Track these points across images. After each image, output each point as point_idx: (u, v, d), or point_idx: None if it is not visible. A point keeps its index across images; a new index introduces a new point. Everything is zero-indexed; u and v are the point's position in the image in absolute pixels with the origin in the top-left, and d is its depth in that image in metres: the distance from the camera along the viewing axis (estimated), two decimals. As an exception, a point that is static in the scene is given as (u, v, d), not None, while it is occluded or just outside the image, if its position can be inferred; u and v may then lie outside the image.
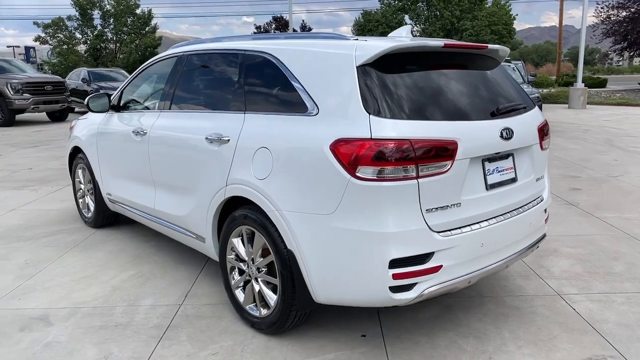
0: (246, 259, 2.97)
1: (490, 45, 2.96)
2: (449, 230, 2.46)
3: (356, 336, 2.91)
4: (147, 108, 4.13)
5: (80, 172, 5.01)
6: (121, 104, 4.35)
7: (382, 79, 2.47)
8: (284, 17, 43.02)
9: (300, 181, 2.53)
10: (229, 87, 3.19)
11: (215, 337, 2.92)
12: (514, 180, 2.80)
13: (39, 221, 5.21)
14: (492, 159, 2.66)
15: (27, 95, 14.75)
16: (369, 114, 2.36)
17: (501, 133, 2.65)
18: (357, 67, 2.46)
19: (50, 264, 4.06)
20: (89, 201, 4.97)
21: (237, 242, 3.02)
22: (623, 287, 3.50)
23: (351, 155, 2.32)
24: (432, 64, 2.71)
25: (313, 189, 2.48)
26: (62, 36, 38.52)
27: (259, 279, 2.90)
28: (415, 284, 2.39)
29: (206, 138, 3.11)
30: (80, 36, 39.20)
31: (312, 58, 2.68)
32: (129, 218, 4.66)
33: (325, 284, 2.52)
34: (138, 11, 39.28)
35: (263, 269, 2.87)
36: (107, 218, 4.89)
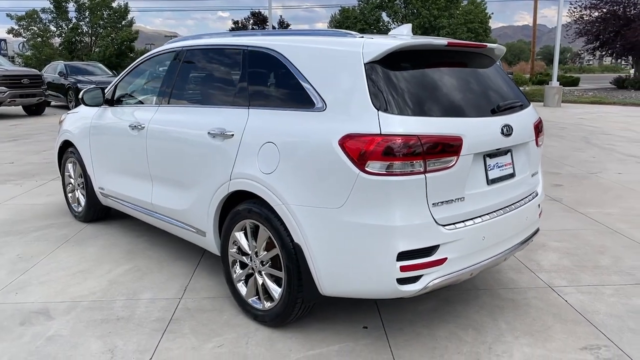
0: (249, 252, 3.00)
1: (488, 45, 3.04)
2: (454, 223, 2.53)
3: (358, 328, 2.97)
4: (143, 102, 4.11)
5: (70, 166, 4.95)
6: (115, 99, 4.31)
7: (388, 76, 2.52)
8: (262, 13, 42.81)
9: (308, 176, 2.56)
10: (232, 82, 3.20)
11: (219, 330, 2.95)
12: (512, 175, 2.89)
13: (27, 215, 5.13)
14: (492, 154, 2.74)
15: (3, 88, 14.38)
16: (378, 110, 2.41)
17: (502, 130, 2.73)
18: (364, 64, 2.50)
19: (43, 258, 4.01)
20: (79, 195, 4.92)
21: (239, 235, 3.04)
22: (611, 280, 3.64)
23: (360, 150, 2.37)
24: (435, 62, 2.77)
25: (321, 183, 2.52)
26: (36, 29, 37.60)
27: (263, 272, 2.93)
28: (421, 276, 2.46)
29: (209, 133, 3.12)
30: (55, 29, 38.32)
31: (319, 55, 2.71)
32: (119, 212, 4.64)
33: (332, 277, 2.56)
34: (114, 4, 38.57)
35: (267, 262, 2.90)
36: (98, 212, 4.85)
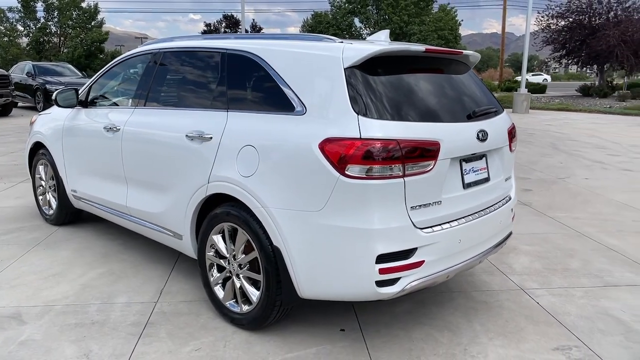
0: (227, 255, 2.99)
1: (464, 52, 3.11)
2: (431, 227, 2.57)
3: (335, 330, 2.99)
4: (118, 104, 4.05)
5: (41, 168, 4.83)
6: (89, 100, 4.24)
7: (368, 81, 2.56)
8: (234, 16, 42.65)
9: (288, 179, 2.58)
10: (210, 85, 3.19)
11: (195, 334, 2.92)
12: (487, 179, 2.96)
13: (-6, 219, 4.99)
14: (468, 159, 2.81)
15: (-31, 88, 13.94)
16: (358, 115, 2.44)
17: (477, 135, 2.79)
18: (344, 69, 2.53)
19: (14, 262, 3.91)
20: (51, 198, 4.81)
21: (217, 239, 3.02)
22: (580, 282, 3.75)
23: (340, 154, 2.39)
24: (412, 68, 2.82)
25: (301, 186, 2.53)
26: (2, 28, 36.57)
27: (241, 276, 2.92)
28: (399, 278, 2.50)
29: (186, 135, 3.10)
30: (23, 29, 37.35)
31: (299, 59, 2.73)
32: (91, 215, 4.56)
33: (312, 280, 2.58)
34: (84, 5, 37.84)
35: (245, 266, 2.89)
36: (69, 215, 4.75)
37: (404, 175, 2.42)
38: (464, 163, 2.77)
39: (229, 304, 3.01)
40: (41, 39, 37.08)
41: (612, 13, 28.69)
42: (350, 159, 2.38)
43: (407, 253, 2.48)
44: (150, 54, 3.72)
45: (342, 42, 2.72)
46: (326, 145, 2.44)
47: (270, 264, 2.68)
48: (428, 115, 2.66)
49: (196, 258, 3.26)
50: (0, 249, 4.17)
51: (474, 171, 2.86)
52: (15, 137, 10.74)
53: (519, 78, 19.83)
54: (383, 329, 3.02)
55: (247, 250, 2.86)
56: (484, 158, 2.95)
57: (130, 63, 4.04)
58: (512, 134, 3.24)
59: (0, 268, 3.78)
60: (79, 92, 4.24)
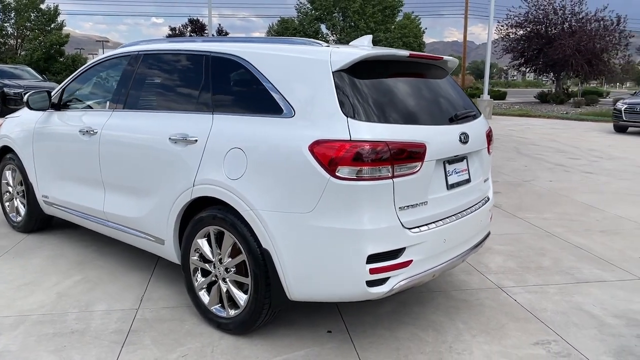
0: (213, 259, 2.96)
1: (444, 57, 3.19)
2: (418, 227, 2.62)
3: (322, 332, 3.00)
4: (94, 107, 3.96)
5: (8, 173, 4.66)
6: (62, 103, 4.12)
7: (355, 84, 2.59)
8: (200, 20, 42.23)
9: (277, 181, 2.58)
10: (193, 88, 3.16)
11: (181, 340, 2.88)
12: (468, 181, 3.04)
13: (-43, 227, 4.78)
14: (451, 161, 2.88)
15: None
16: (347, 117, 2.47)
17: (460, 137, 2.87)
18: (333, 73, 2.56)
19: (-18, 272, 3.75)
20: (19, 204, 4.64)
21: (202, 242, 2.99)
22: (553, 280, 3.89)
23: (331, 155, 2.42)
24: (396, 72, 2.88)
25: (290, 188, 2.54)
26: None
27: (227, 279, 2.90)
28: (389, 278, 2.53)
29: (169, 138, 3.06)
30: (-24, 30, 35.87)
31: (287, 63, 2.74)
32: (62, 221, 4.44)
33: (302, 281, 2.58)
34: (43, 6, 36.66)
35: (232, 269, 2.87)
36: (39, 222, 4.60)
37: (393, 177, 2.47)
38: (447, 165, 2.84)
39: (215, 308, 2.98)
40: (-4, 41, 35.70)
41: (566, 24, 29.87)
42: (340, 161, 2.40)
43: (396, 253, 2.52)
44: (129, 56, 3.65)
45: (328, 46, 2.75)
46: (316, 147, 2.45)
47: (259, 267, 2.67)
48: (413, 118, 2.72)
49: (179, 263, 3.22)
50: (-33, 258, 3.99)
51: (457, 172, 2.93)
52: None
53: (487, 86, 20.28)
54: (369, 329, 3.05)
55: (234, 253, 2.84)
56: (464, 160, 3.02)
57: (106, 65, 3.96)
58: (489, 136, 3.34)
59: (-31, 278, 3.62)
60: (52, 94, 4.12)
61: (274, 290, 2.68)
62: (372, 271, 2.46)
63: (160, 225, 3.20)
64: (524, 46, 31.44)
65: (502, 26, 32.10)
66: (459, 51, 39.55)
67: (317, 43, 2.81)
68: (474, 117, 3.22)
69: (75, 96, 4.14)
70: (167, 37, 40.19)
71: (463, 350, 2.85)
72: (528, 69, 34.03)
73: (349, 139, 2.42)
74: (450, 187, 2.86)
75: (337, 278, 2.52)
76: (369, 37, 3.21)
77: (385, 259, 2.49)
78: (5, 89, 15.53)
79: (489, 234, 3.45)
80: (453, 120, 2.93)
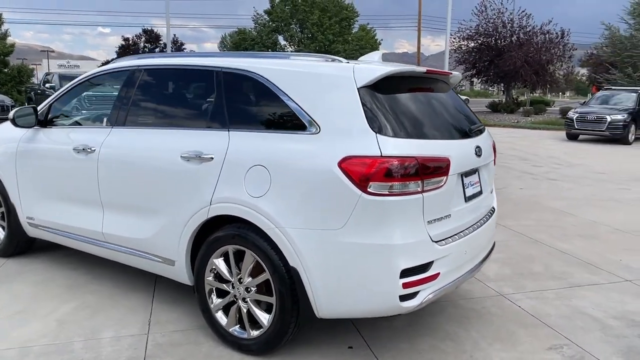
0: (231, 279, 2.89)
1: (452, 72, 3.28)
2: (444, 239, 2.66)
3: (343, 349, 2.98)
4: (88, 123, 3.81)
5: (-16, 195, 4.39)
6: (49, 120, 3.94)
7: (380, 100, 2.62)
8: (154, 31, 41.50)
9: (304, 198, 2.56)
10: (204, 104, 3.10)
11: (201, 364, 2.79)
12: (480, 193, 3.12)
13: None
14: (467, 174, 2.94)
15: None
16: (376, 133, 2.48)
17: (475, 150, 2.94)
18: (358, 89, 2.57)
19: (-30, 301, 3.51)
20: (-4, 228, 4.38)
21: (219, 262, 2.92)
22: (549, 285, 4.02)
23: (362, 172, 2.42)
24: (412, 87, 2.93)
25: (319, 205, 2.52)
26: None
27: (248, 299, 2.84)
28: (419, 291, 2.55)
29: (181, 156, 2.98)
30: None
31: (308, 79, 2.73)
32: (45, 244, 4.24)
33: (332, 298, 2.56)
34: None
35: (253, 289, 2.81)
36: (20, 246, 4.36)
37: (422, 191, 2.50)
38: (464, 177, 2.90)
39: (235, 330, 2.91)
40: None
41: (515, 37, 31.19)
42: (372, 177, 2.41)
43: (426, 266, 2.55)
44: (127, 71, 3.53)
45: (348, 62, 2.77)
46: (346, 164, 2.45)
47: (285, 286, 2.64)
48: (434, 132, 2.77)
49: (190, 284, 3.13)
50: (-53, 287, 3.73)
51: (472, 185, 3.00)
52: None
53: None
54: (388, 343, 3.05)
55: (255, 272, 2.79)
56: (477, 172, 3.10)
57: (99, 81, 3.82)
58: (494, 149, 3.44)
59: (-44, 308, 3.38)
60: (38, 110, 3.92)
61: (302, 309, 2.65)
62: (404, 285, 2.48)
63: (170, 246, 3.10)
64: (476, 58, 32.58)
65: (454, 39, 33.16)
66: (410, 62, 40.59)
67: (336, 59, 2.82)
68: (482, 130, 3.31)
69: (64, 113, 3.97)
70: (120, 47, 39.22)
71: (484, 358, 2.90)
72: (480, 80, 35.25)
73: (380, 154, 2.43)
74: (468, 199, 2.92)
75: (369, 294, 2.51)
76: (379, 53, 3.25)
77: (416, 273, 2.51)
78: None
79: (494, 243, 3.54)
80: (468, 134, 3.00)
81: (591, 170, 9.99)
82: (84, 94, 4.13)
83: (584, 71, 45.85)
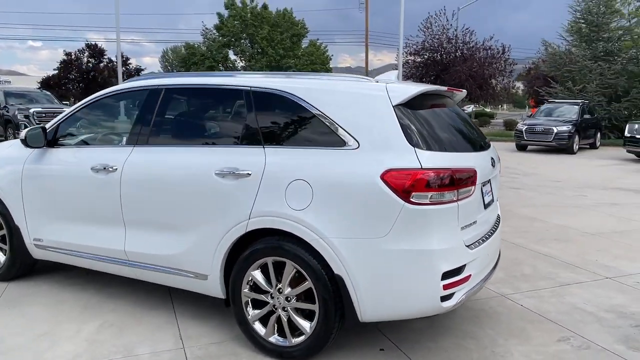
0: (270, 290, 3.01)
1: (462, 90, 3.56)
2: (472, 244, 2.91)
3: (375, 351, 3.16)
4: (105, 143, 3.82)
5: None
6: (58, 140, 3.92)
7: (412, 117, 2.85)
8: (99, 45, 40.43)
9: (348, 209, 2.73)
10: (235, 123, 3.22)
11: (246, 374, 2.89)
12: (492, 201, 3.40)
13: None
14: (484, 183, 3.22)
15: None
16: (414, 147, 2.71)
17: (491, 162, 3.23)
18: (393, 107, 2.80)
19: (-12, 326, 3.42)
20: (-5, 251, 4.27)
21: (256, 274, 3.03)
22: (541, 285, 4.37)
23: (405, 183, 2.63)
24: (432, 104, 3.17)
25: (362, 215, 2.71)
26: None
27: (289, 308, 2.96)
28: (454, 293, 2.78)
29: (216, 173, 3.08)
30: None
31: (345, 98, 2.92)
32: (44, 266, 4.17)
33: (376, 302, 2.74)
34: None
35: (293, 298, 2.95)
36: (22, 269, 4.26)
37: (457, 200, 2.74)
38: (482, 187, 3.17)
39: (275, 338, 3.02)
40: None
41: (459, 52, 32.64)
42: (414, 188, 2.63)
43: (461, 269, 2.78)
44: (147, 90, 3.59)
45: (378, 81, 2.99)
46: (389, 176, 2.66)
47: (328, 293, 2.79)
48: (460, 145, 3.03)
49: (223, 297, 3.21)
50: (-44, 313, 3.61)
51: (487, 193, 3.27)
52: None
53: None
54: (415, 344, 3.26)
55: (295, 282, 2.93)
56: (489, 182, 3.38)
57: (113, 100, 3.85)
58: (499, 160, 3.74)
59: (-25, 334, 3.30)
60: (47, 130, 3.89)
61: (347, 314, 2.81)
62: (444, 287, 2.69)
63: (203, 261, 3.18)
64: (422, 72, 33.78)
65: (402, 54, 34.26)
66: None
67: (365, 78, 3.03)
68: (490, 143, 3.60)
69: (74, 132, 3.96)
70: (62, 62, 37.87)
71: (505, 353, 3.16)
72: (426, 94, 36.44)
73: (420, 167, 2.65)
74: (486, 206, 3.19)
75: (412, 296, 2.71)
76: (395, 72, 3.49)
77: (453, 275, 2.74)
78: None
79: (500, 251, 3.83)
80: (482, 146, 3.28)
81: (547, 179, 10.68)
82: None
83: (519, 84, 48.47)
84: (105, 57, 38.17)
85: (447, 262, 2.70)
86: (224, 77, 3.41)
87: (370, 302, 2.75)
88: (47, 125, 3.94)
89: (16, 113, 15.98)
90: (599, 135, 18.18)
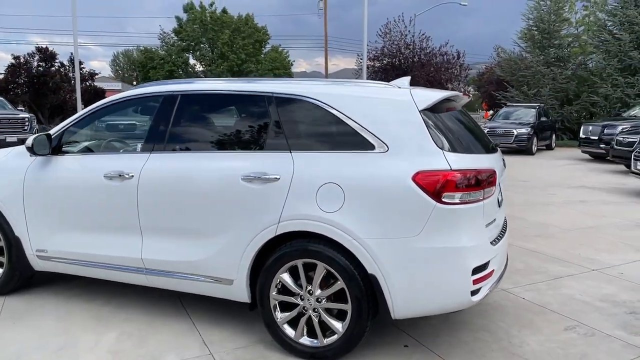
0: (300, 292, 3.06)
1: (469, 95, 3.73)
2: (494, 241, 3.07)
3: (400, 348, 3.26)
4: (116, 149, 3.76)
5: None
6: (63, 147, 3.83)
7: (436, 121, 2.98)
8: (50, 49, 38.96)
9: (379, 210, 2.83)
10: (260, 128, 3.25)
11: (280, 375, 2.93)
12: (501, 200, 3.57)
13: None
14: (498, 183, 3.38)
15: None
16: (442, 150, 2.84)
17: (503, 163, 3.40)
18: (420, 112, 2.92)
19: None
20: (-8, 264, 4.11)
21: (285, 276, 3.08)
22: (536, 278, 4.59)
23: (436, 184, 2.76)
24: (447, 107, 3.31)
25: (394, 215, 2.81)
26: None
27: (319, 309, 3.02)
28: (481, 287, 2.92)
29: (242, 178, 3.11)
30: None
31: (370, 103, 3.02)
32: (41, 278, 4.08)
33: (409, 299, 2.84)
34: None
35: (323, 299, 3.01)
36: (20, 281, 4.12)
37: (483, 199, 2.88)
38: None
39: (305, 339, 3.07)
40: None
41: (417, 57, 33.45)
42: (445, 188, 2.75)
43: (487, 265, 2.93)
44: (161, 96, 3.56)
45: (400, 87, 3.10)
46: (420, 178, 2.77)
47: (362, 292, 2.87)
48: (478, 147, 3.17)
49: (249, 301, 3.24)
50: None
51: (498, 193, 3.44)
52: None
53: None
54: (437, 339, 3.38)
55: (325, 283, 2.99)
56: (499, 183, 3.55)
57: (121, 106, 3.80)
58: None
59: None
60: (52, 137, 3.80)
61: (378, 312, 2.90)
62: (474, 282, 2.83)
63: (229, 265, 3.19)
64: (382, 77, 34.40)
65: (361, 59, 34.79)
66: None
67: (390, 85, 3.15)
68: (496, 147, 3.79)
69: (80, 139, 3.88)
70: (9, 66, 36.21)
71: (521, 343, 3.33)
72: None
73: (449, 168, 2.78)
74: (499, 205, 3.36)
75: (444, 291, 2.83)
76: (408, 78, 3.61)
77: (481, 270, 2.88)
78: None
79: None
80: (494, 148, 3.45)
81: (515, 179, 11.12)
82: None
83: (469, 89, 50.14)
84: (57, 61, 36.80)
85: (476, 258, 2.84)
86: (242, 83, 3.44)
87: (404, 300, 2.84)
88: (52, 132, 3.85)
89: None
90: (554, 136, 19.05)
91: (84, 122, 3.87)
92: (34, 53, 37.76)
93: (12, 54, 38.35)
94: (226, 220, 3.18)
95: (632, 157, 9.06)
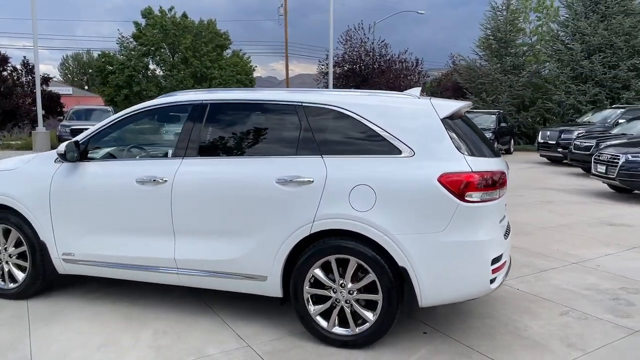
0: (333, 285, 3.34)
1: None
2: (504, 235, 3.44)
3: (420, 335, 3.58)
4: (148, 155, 3.94)
5: (-2, 234, 4.17)
6: (89, 154, 3.97)
7: (454, 128, 3.34)
8: (1, 52, 37.55)
9: (409, 208, 3.15)
10: (291, 135, 3.50)
11: (320, 362, 3.19)
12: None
13: None
14: (502, 184, 3.77)
15: None
16: (463, 154, 3.19)
17: (507, 166, 3.79)
18: (441, 119, 3.27)
19: (32, 342, 3.41)
20: (12, 268, 4.18)
21: (318, 271, 3.35)
22: (524, 272, 5.03)
23: (460, 185, 3.10)
24: (460, 115, 3.67)
25: (422, 213, 3.14)
26: None
27: (351, 300, 3.31)
28: (497, 276, 3.29)
29: (277, 181, 3.37)
30: None
31: (397, 112, 3.34)
32: (60, 281, 4.19)
33: (435, 289, 3.18)
34: None
35: (355, 291, 3.30)
36: (43, 284, 4.20)
37: (499, 197, 3.26)
38: (502, 187, 3.73)
39: (337, 329, 3.35)
40: None
41: (377, 64, 34.26)
42: (468, 188, 3.11)
43: (501, 256, 3.30)
44: (190, 105, 3.77)
45: (419, 97, 3.45)
46: (445, 179, 3.11)
47: (391, 283, 3.18)
48: (487, 151, 3.54)
49: (280, 296, 3.48)
50: (-4, 333, 3.55)
51: (503, 193, 3.83)
52: None
53: None
54: (450, 326, 3.73)
55: (356, 276, 3.29)
56: (501, 183, 3.95)
57: (150, 114, 3.98)
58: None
59: (20, 354, 3.29)
60: (80, 144, 3.93)
61: (406, 301, 3.21)
62: (492, 271, 3.19)
63: (264, 263, 3.43)
64: (343, 83, 35.01)
65: (322, 65, 35.32)
66: (265, 85, 42.12)
67: (410, 95, 3.49)
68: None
69: (107, 146, 4.02)
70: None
71: (526, 327, 3.72)
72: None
73: (470, 170, 3.14)
74: (505, 205, 3.75)
75: (467, 280, 3.18)
76: (419, 89, 3.96)
77: (497, 261, 3.25)
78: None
79: None
80: (497, 153, 3.84)
81: (483, 181, 11.74)
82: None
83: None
84: (9, 65, 35.49)
85: (494, 249, 3.21)
86: (272, 92, 3.70)
87: (430, 289, 3.17)
88: (79, 139, 3.97)
89: None
90: (512, 141, 20.03)
91: (111, 129, 4.02)
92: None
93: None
94: (261, 221, 3.43)
95: (592, 160, 9.79)
